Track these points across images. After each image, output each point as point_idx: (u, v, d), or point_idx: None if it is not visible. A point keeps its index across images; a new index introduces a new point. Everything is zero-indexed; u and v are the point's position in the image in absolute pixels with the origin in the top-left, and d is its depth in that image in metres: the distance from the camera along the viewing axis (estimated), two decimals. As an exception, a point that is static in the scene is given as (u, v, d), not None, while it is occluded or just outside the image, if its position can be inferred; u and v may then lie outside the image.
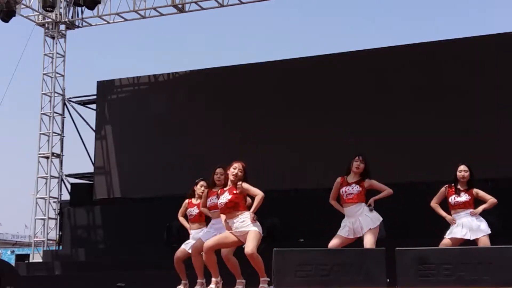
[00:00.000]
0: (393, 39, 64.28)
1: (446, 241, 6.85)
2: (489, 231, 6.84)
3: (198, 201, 7.25)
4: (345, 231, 6.53)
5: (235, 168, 6.19)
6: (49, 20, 16.36)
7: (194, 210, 7.31)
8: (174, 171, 14.29)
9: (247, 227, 5.98)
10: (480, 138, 12.48)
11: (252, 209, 6.05)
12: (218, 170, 6.82)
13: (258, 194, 6.08)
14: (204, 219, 7.25)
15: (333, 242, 6.56)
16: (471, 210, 6.90)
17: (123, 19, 16.27)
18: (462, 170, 7.03)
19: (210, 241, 6.19)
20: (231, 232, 6.08)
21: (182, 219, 7.55)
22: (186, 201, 7.47)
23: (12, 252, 34.30)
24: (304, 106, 13.93)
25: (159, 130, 15.12)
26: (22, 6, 15.47)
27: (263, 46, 71.06)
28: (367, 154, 6.77)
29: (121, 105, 16.00)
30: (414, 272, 5.42)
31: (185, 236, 7.73)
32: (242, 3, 15.19)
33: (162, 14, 15.94)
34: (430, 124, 12.83)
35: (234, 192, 6.09)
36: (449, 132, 12.65)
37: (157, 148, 15.03)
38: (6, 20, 14.80)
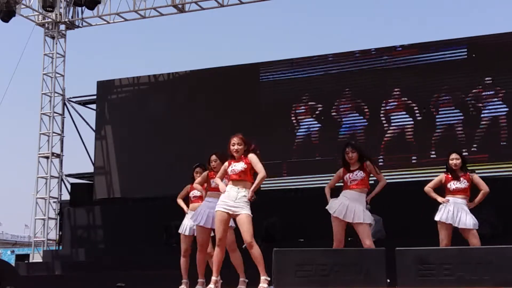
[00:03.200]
0: (393, 39, 64.25)
1: (444, 231, 6.92)
2: (477, 227, 6.93)
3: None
4: (338, 210, 6.52)
5: (233, 144, 6.37)
6: (49, 20, 16.36)
7: (197, 192, 7.50)
8: (174, 171, 14.27)
9: (240, 208, 6.08)
10: (480, 136, 12.50)
11: (252, 187, 6.17)
12: (212, 158, 7.01)
13: (260, 172, 6.21)
14: None
15: (336, 236, 6.58)
16: (468, 201, 7.00)
17: (123, 19, 16.26)
18: (454, 158, 7.13)
19: (219, 235, 6.17)
20: (222, 211, 6.14)
21: (180, 201, 7.78)
22: (188, 186, 7.71)
23: (12, 252, 34.29)
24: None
25: (159, 130, 15.11)
26: (22, 6, 15.47)
27: (263, 46, 71.12)
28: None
29: (121, 105, 16.00)
30: (414, 272, 5.41)
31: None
32: (242, 3, 15.19)
33: (162, 14, 15.94)
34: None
35: (247, 162, 6.25)
36: (447, 129, 12.69)
37: (157, 148, 15.02)
38: (6, 20, 14.80)
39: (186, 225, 7.61)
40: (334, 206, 6.56)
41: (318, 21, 70.79)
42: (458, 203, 6.98)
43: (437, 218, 7.00)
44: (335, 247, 6.51)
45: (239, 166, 6.24)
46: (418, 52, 13.29)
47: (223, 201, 6.18)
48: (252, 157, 6.30)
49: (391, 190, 6.75)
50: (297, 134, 13.88)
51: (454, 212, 6.93)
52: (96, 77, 77.81)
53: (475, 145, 12.46)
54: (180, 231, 7.70)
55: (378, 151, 13.02)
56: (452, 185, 7.04)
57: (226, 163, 6.43)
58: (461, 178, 7.03)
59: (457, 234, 7.01)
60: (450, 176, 7.11)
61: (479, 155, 12.34)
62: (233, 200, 6.13)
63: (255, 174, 6.25)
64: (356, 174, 6.62)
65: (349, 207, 6.49)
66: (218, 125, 14.32)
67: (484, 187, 7.07)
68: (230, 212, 6.14)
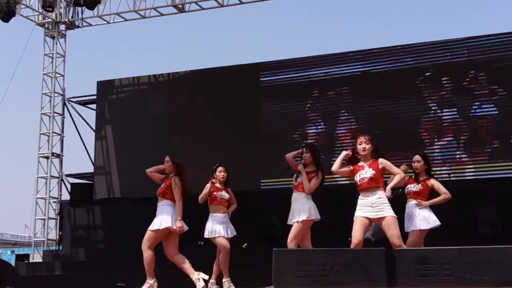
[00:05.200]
0: (393, 39, 64.27)
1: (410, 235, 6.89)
2: (420, 227, 6.77)
3: (221, 186, 7.64)
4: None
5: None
6: (49, 20, 16.36)
7: (225, 195, 7.58)
8: (174, 171, 14.25)
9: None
10: (480, 136, 12.49)
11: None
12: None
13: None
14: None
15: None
16: (419, 200, 6.89)
17: (123, 19, 16.27)
18: (415, 161, 7.08)
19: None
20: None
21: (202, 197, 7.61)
22: (210, 185, 7.60)
23: (12, 252, 34.30)
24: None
25: (159, 130, 15.11)
26: (22, 6, 15.46)
27: (263, 46, 71.09)
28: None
29: (121, 105, 15.99)
30: (414, 272, 5.41)
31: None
32: (242, 3, 15.19)
33: (162, 14, 15.94)
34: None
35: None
36: (447, 128, 12.69)
37: (157, 148, 15.00)
38: (6, 20, 14.80)
39: (224, 229, 7.54)
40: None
41: (318, 21, 70.78)
42: (409, 207, 6.95)
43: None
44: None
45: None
46: (419, 52, 13.26)
47: None
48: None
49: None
50: (298, 134, 13.85)
51: (406, 220, 6.90)
52: (96, 77, 77.75)
53: (475, 145, 12.45)
54: (206, 236, 7.57)
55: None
56: (407, 188, 7.02)
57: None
58: (419, 182, 6.99)
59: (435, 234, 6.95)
60: (412, 179, 7.07)
61: (479, 155, 12.34)
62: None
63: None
64: (299, 178, 6.93)
65: (291, 209, 6.84)
66: (218, 125, 14.33)
67: (445, 192, 6.95)
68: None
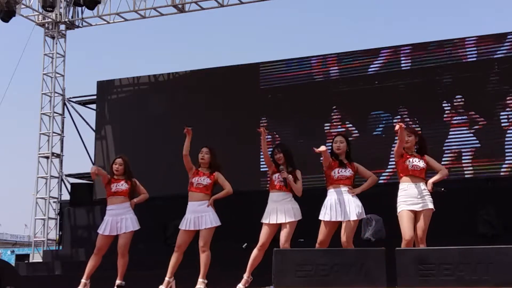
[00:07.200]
0: (393, 39, 64.30)
1: (322, 228, 6.51)
2: (354, 218, 6.39)
3: (203, 170, 7.03)
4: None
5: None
6: (49, 20, 16.36)
7: (205, 180, 6.96)
8: (174, 171, 14.21)
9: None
10: (480, 136, 12.49)
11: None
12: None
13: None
14: (210, 192, 6.95)
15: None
16: (350, 187, 6.48)
17: (123, 19, 16.27)
18: (338, 141, 6.58)
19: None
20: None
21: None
22: (193, 169, 7.07)
23: (12, 252, 34.32)
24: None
25: (159, 130, 15.10)
26: (22, 6, 15.47)
27: (263, 46, 71.13)
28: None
29: (121, 105, 15.99)
30: (414, 272, 5.41)
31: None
32: (242, 3, 15.19)
33: (162, 14, 15.95)
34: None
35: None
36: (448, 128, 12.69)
37: (157, 148, 15.01)
38: (6, 20, 14.81)
39: (188, 220, 6.94)
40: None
41: (318, 21, 70.84)
42: (340, 193, 6.46)
43: (323, 218, 6.52)
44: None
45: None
46: (423, 53, 13.22)
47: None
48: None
49: (392, 190, 6.73)
50: (299, 134, 13.84)
51: (335, 210, 6.43)
52: (96, 77, 77.84)
53: (475, 145, 12.44)
54: (180, 226, 7.04)
55: (379, 149, 13.00)
56: (336, 172, 6.49)
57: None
58: (346, 166, 6.50)
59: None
60: (335, 162, 6.53)
61: (480, 155, 12.33)
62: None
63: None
64: (277, 176, 6.88)
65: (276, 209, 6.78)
66: (218, 125, 14.32)
67: (371, 175, 6.59)
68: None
